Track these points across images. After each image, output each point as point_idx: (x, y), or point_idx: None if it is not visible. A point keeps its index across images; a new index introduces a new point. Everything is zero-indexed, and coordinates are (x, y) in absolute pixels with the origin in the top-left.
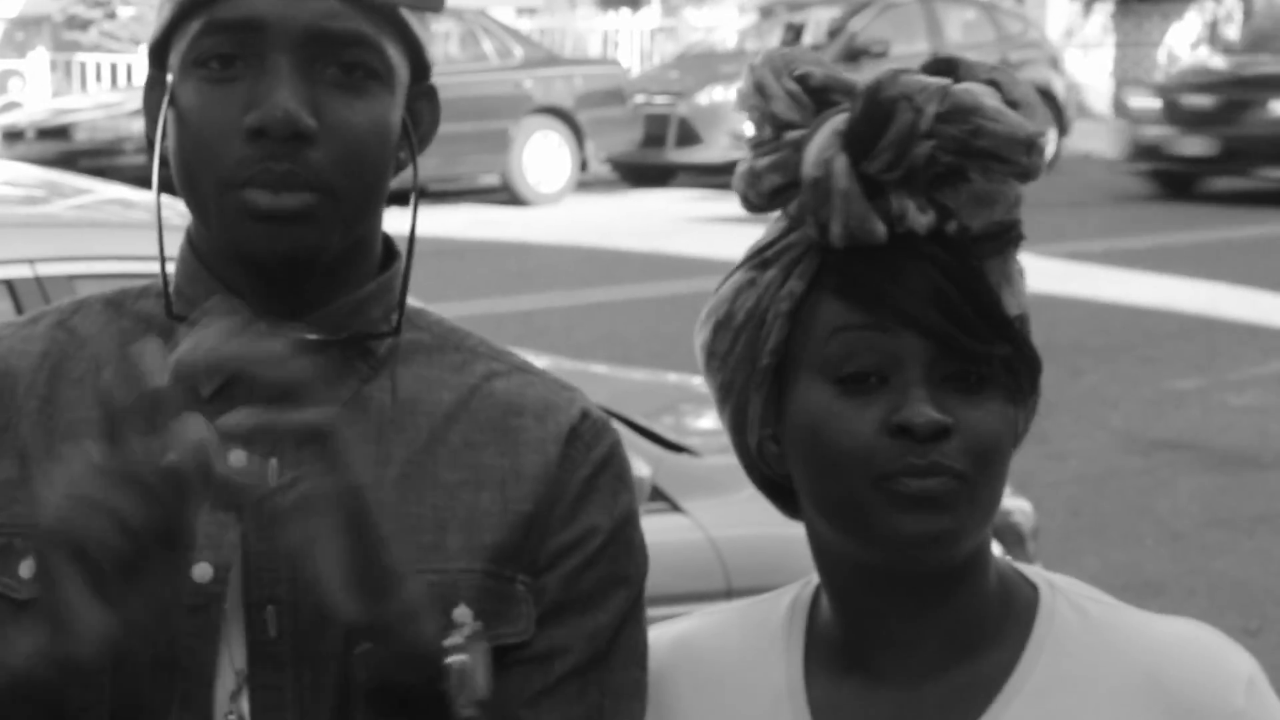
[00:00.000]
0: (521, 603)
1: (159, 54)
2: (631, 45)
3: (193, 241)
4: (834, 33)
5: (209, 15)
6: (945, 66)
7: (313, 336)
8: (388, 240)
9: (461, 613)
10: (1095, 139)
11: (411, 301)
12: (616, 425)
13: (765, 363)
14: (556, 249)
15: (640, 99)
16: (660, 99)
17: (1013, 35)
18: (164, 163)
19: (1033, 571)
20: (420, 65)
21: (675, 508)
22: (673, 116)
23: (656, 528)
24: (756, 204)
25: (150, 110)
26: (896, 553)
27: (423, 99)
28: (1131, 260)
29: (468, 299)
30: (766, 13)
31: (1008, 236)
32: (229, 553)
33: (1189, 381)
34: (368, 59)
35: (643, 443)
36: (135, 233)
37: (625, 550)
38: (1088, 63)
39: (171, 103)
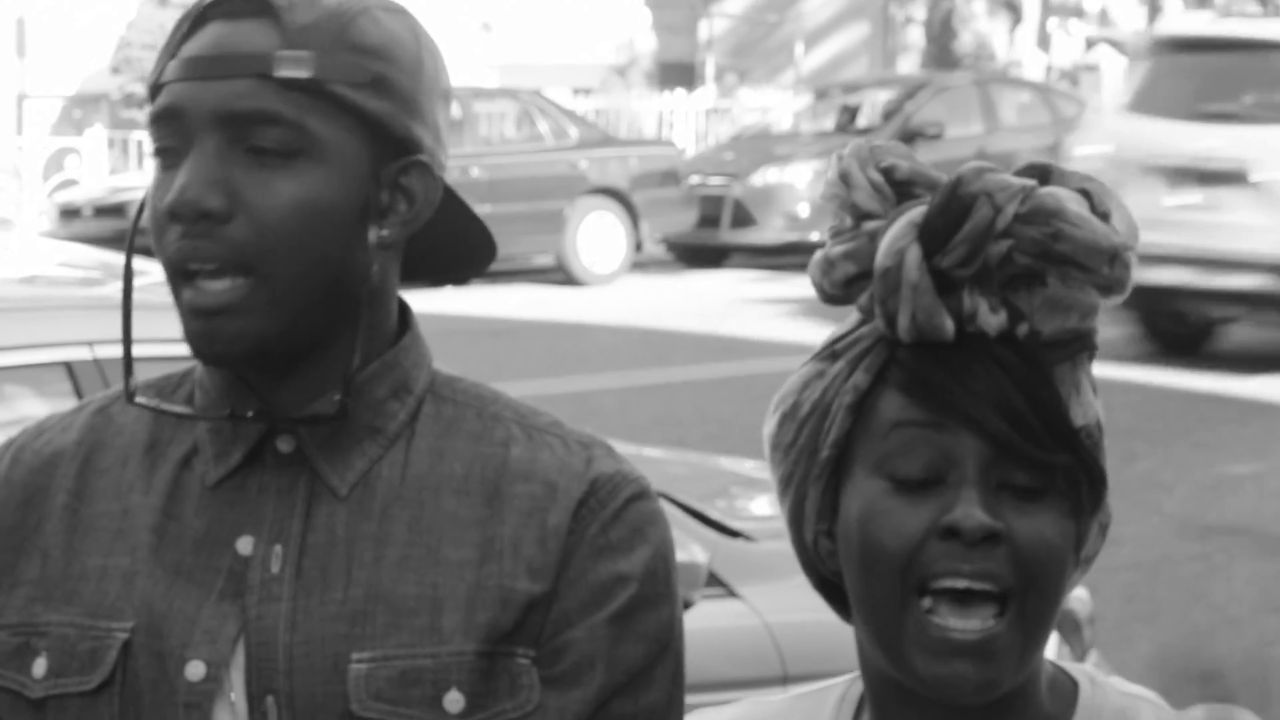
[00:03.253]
0: (522, 675)
1: None
2: (686, 126)
3: None
4: (889, 114)
5: (152, 109)
6: (1038, 173)
7: (325, 414)
8: (405, 314)
9: (452, 699)
10: None
11: (443, 369)
12: (671, 509)
13: (825, 455)
14: (610, 330)
15: (695, 180)
16: (715, 180)
17: (1067, 118)
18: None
19: (1077, 669)
20: (391, 140)
21: (731, 593)
22: (727, 198)
23: (712, 613)
24: (830, 293)
25: None
26: (931, 694)
27: (411, 174)
28: None
29: (521, 379)
30: (822, 94)
31: (1078, 345)
32: (224, 648)
33: (1245, 466)
34: (282, 137)
35: (698, 527)
36: None
37: (645, 606)
38: None
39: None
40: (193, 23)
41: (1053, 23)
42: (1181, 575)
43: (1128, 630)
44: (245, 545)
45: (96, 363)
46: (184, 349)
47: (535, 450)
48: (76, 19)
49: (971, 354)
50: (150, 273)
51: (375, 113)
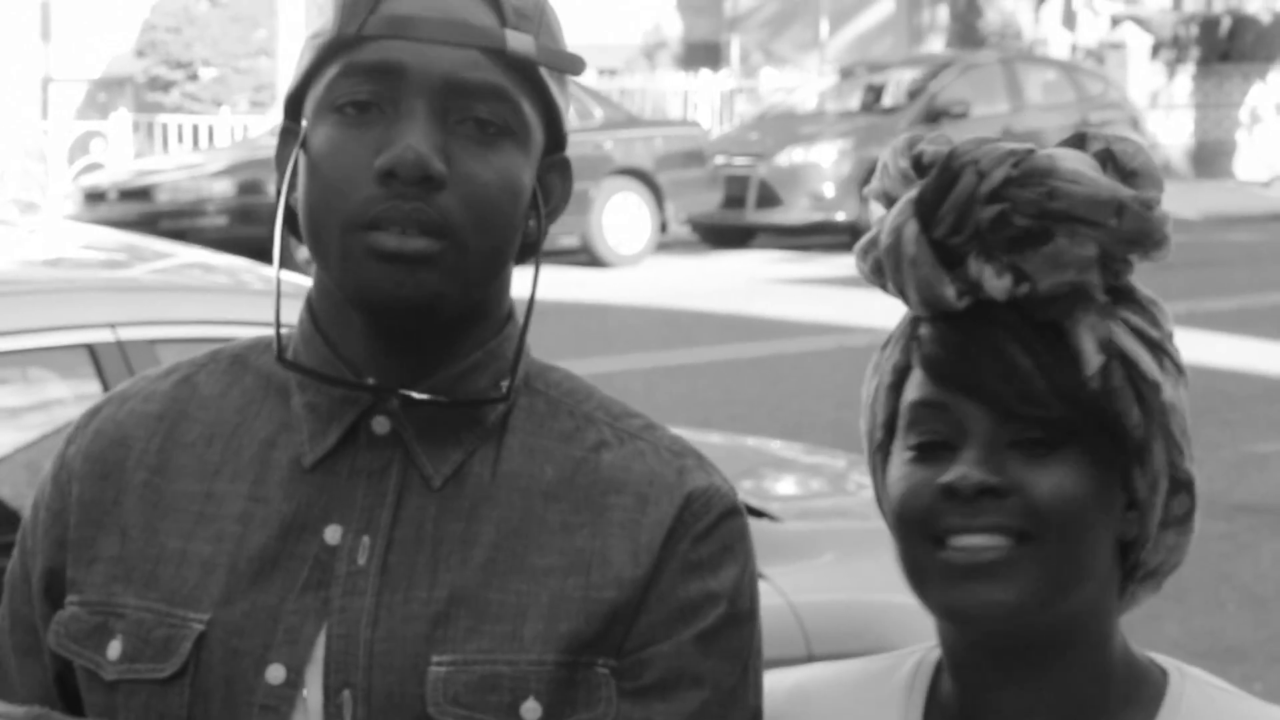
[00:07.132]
0: (601, 686)
1: (294, 105)
2: (711, 106)
3: (312, 307)
4: (914, 94)
5: (348, 59)
6: (1074, 141)
7: (421, 397)
8: (510, 307)
9: (529, 707)
10: (1176, 200)
11: (537, 358)
12: None
13: (878, 438)
14: (636, 310)
15: (720, 160)
16: (740, 160)
17: (1093, 96)
18: (288, 217)
19: (1165, 660)
20: (555, 134)
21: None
22: (753, 178)
23: None
24: (868, 279)
25: (281, 163)
26: (954, 624)
27: (555, 170)
28: (1213, 322)
29: (547, 360)
30: (847, 74)
31: (1077, 297)
32: (304, 650)
33: (1271, 445)
34: (503, 114)
35: None
36: (216, 296)
37: (732, 624)
38: (1169, 123)
39: (304, 148)
40: None
41: (1078, 1)
42: (1208, 554)
43: (1154, 609)
44: (333, 534)
45: (119, 344)
46: (209, 331)
47: (628, 459)
48: (101, 2)
49: (980, 322)
50: (176, 254)
51: (558, 104)
